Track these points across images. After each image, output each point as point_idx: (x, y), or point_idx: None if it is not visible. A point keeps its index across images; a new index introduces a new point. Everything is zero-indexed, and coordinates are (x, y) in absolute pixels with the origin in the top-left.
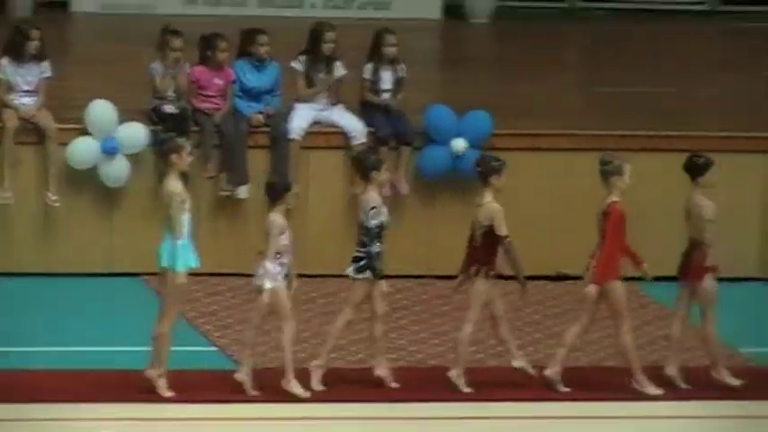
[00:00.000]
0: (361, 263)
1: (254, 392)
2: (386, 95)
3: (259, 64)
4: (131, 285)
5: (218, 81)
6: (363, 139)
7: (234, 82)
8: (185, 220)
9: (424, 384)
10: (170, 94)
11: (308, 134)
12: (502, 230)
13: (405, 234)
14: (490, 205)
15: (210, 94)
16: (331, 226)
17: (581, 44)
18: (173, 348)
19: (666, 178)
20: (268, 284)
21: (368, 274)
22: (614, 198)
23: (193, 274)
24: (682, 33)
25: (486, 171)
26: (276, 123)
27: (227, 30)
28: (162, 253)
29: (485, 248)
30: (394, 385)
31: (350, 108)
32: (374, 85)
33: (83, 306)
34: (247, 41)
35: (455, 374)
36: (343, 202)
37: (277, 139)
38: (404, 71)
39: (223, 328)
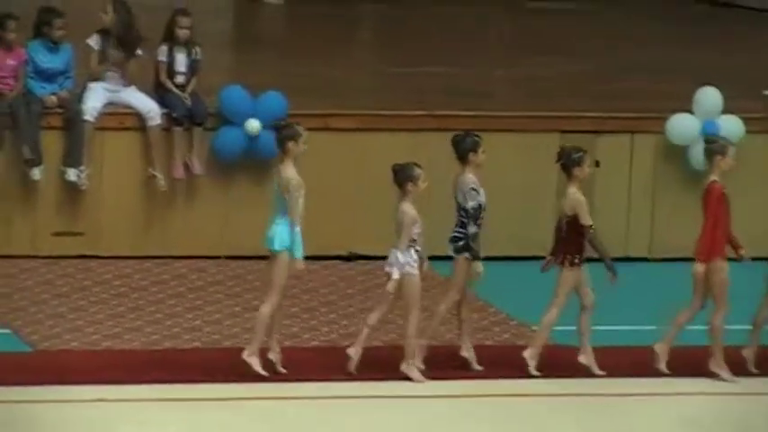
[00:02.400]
0: (460, 243)
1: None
2: (180, 78)
3: (53, 45)
4: None
5: (11, 62)
6: (159, 120)
7: (26, 62)
8: (301, 205)
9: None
10: None
11: (103, 115)
12: (586, 220)
13: (200, 215)
14: (574, 196)
15: (2, 74)
16: (125, 207)
17: (375, 25)
18: None
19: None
20: (396, 275)
21: (466, 254)
22: (714, 177)
23: None
24: (483, 15)
25: (567, 164)
26: (70, 104)
27: (20, 9)
28: (274, 237)
29: (569, 237)
30: (477, 367)
31: (144, 89)
32: (169, 67)
33: None
34: (43, 23)
35: (528, 354)
36: (138, 184)
37: (71, 121)
38: (199, 54)
39: (16, 310)
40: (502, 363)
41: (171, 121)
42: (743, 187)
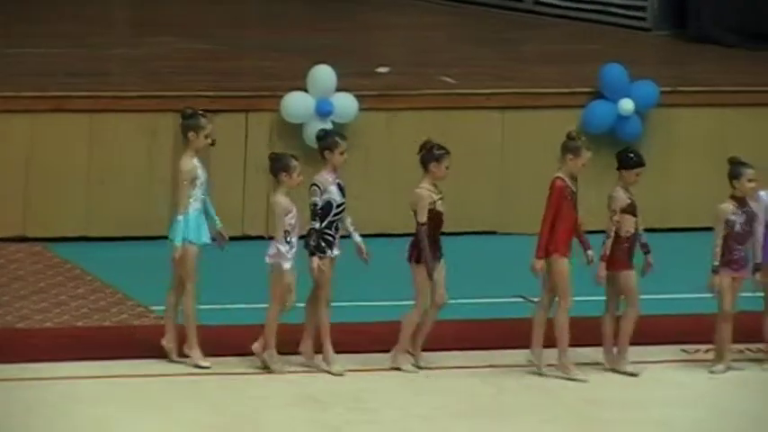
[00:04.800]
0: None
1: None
2: None
3: None
4: None
5: None
6: None
7: None
8: (191, 196)
9: None
10: None
11: None
12: (419, 217)
13: None
14: (416, 191)
15: None
16: None
17: None
18: None
19: (70, 140)
20: (287, 265)
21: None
22: (559, 174)
23: None
24: None
25: (424, 158)
26: None
27: None
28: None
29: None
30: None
31: None
32: None
33: None
34: None
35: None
36: None
37: None
38: None
39: None
40: (120, 344)
41: None
42: (354, 166)
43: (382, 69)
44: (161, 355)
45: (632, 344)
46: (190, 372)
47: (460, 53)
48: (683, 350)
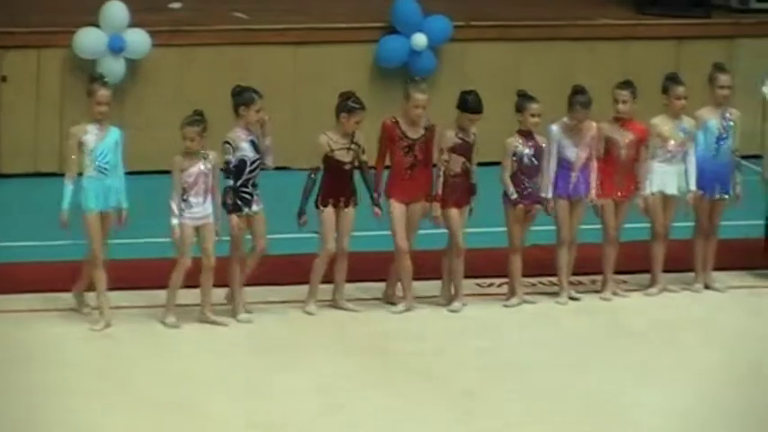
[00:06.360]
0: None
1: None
2: None
3: None
4: None
5: None
6: None
7: None
8: (81, 162)
9: None
10: None
11: None
12: (315, 162)
13: None
14: (319, 136)
15: None
16: None
17: None
18: None
19: None
20: (173, 221)
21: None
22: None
23: None
24: None
25: (338, 107)
26: None
27: None
28: None
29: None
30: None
31: None
32: None
33: None
34: None
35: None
36: None
37: None
38: None
39: None
40: None
41: None
42: (145, 102)
43: (175, 5)
44: None
45: (427, 278)
46: None
47: None
48: (477, 284)
